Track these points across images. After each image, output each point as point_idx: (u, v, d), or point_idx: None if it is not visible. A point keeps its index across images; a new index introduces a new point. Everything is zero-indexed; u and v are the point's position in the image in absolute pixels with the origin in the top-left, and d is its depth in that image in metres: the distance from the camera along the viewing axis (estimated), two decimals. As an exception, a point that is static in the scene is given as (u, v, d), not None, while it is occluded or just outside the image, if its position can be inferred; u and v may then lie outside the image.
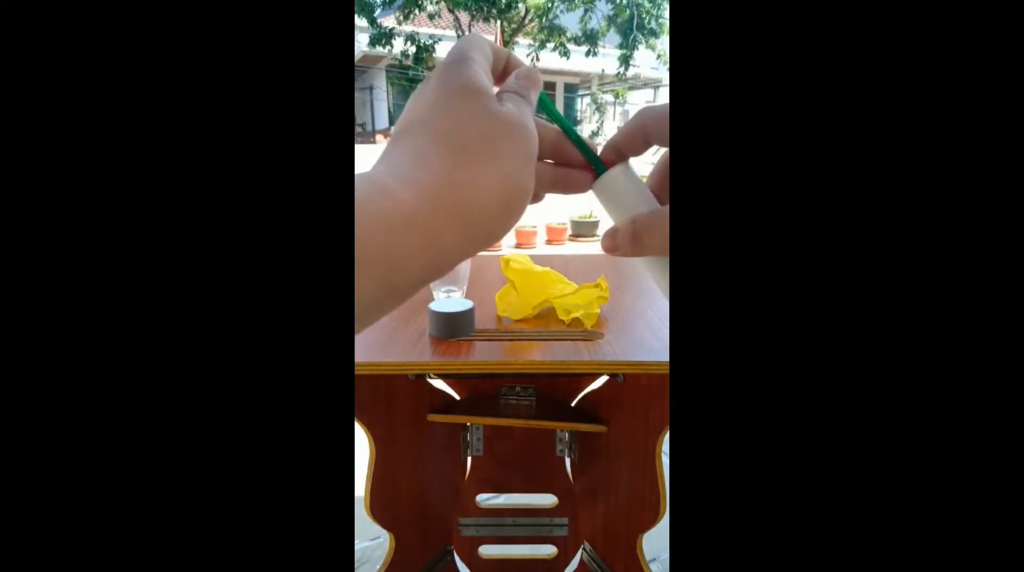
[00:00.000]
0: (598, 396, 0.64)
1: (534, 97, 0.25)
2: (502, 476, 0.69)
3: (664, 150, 0.29)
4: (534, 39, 7.20)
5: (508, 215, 0.21)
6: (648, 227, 0.27)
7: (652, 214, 0.28)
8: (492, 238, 0.21)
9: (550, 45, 7.16)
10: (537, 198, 0.26)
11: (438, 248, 0.19)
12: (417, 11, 6.35)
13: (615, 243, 0.29)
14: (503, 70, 0.26)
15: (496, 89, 0.23)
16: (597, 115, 9.04)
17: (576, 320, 0.46)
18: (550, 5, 6.52)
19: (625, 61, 6.98)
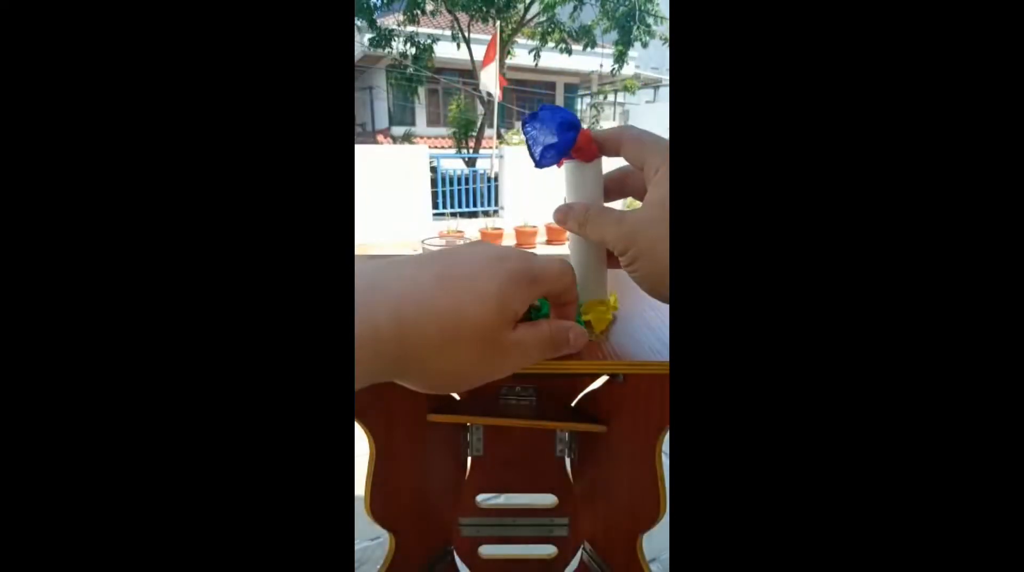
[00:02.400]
0: (598, 396, 0.64)
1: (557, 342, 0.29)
2: (502, 476, 0.69)
3: (625, 163, 0.35)
4: (534, 37, 7.20)
5: (435, 388, 0.25)
6: (597, 219, 0.34)
7: (604, 211, 0.34)
8: (426, 390, 0.25)
9: (551, 43, 7.15)
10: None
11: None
12: (420, 13, 6.36)
13: (565, 218, 0.35)
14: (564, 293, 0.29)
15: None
16: (593, 111, 9.05)
17: (587, 323, 0.46)
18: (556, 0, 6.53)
19: (620, 58, 6.98)
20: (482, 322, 0.23)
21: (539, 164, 0.35)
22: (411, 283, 0.22)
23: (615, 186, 0.37)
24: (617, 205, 0.37)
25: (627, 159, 0.35)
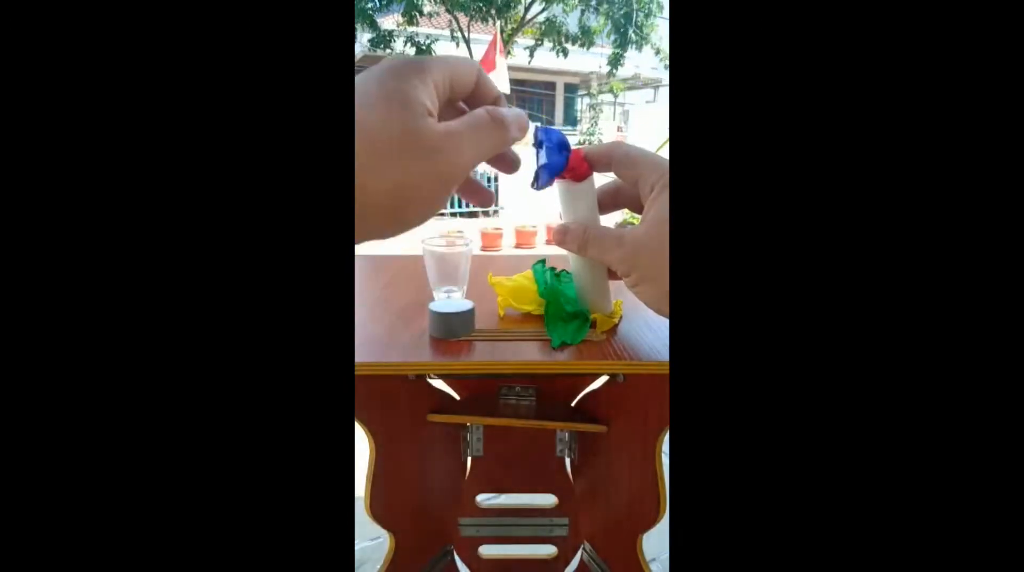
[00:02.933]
0: (598, 396, 0.64)
1: (494, 132, 0.25)
2: (502, 476, 0.69)
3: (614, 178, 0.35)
4: (533, 37, 7.20)
5: (396, 220, 0.23)
6: (596, 241, 0.34)
7: (603, 233, 0.34)
8: (378, 235, 0.23)
9: (548, 44, 7.16)
10: (510, 166, 0.29)
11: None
12: (418, 14, 6.36)
13: (564, 239, 0.35)
14: (474, 85, 0.26)
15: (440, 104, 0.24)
16: (591, 112, 9.06)
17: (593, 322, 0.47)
18: (565, 5, 6.54)
19: (616, 60, 7.00)
20: (388, 120, 0.21)
21: (534, 185, 0.36)
22: None
23: (608, 199, 0.37)
24: (615, 217, 0.38)
25: (619, 176, 0.35)
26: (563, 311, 0.45)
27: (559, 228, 0.36)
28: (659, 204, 0.31)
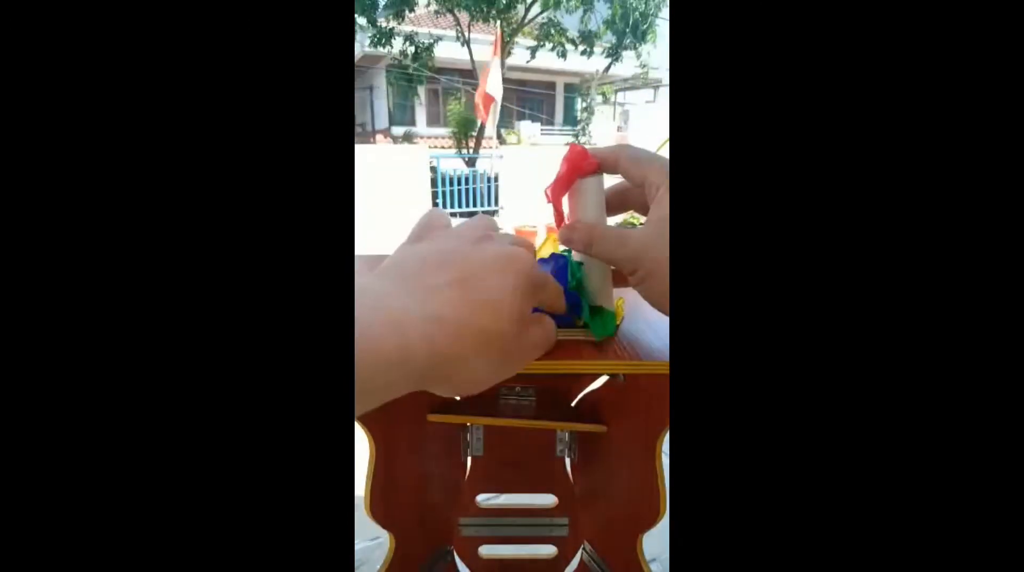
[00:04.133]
0: (598, 396, 0.64)
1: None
2: (502, 476, 0.69)
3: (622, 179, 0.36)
4: (534, 38, 7.22)
5: (461, 392, 0.26)
6: (601, 240, 0.34)
7: (608, 233, 0.35)
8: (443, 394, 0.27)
9: (548, 45, 7.16)
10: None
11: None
12: (408, 11, 6.36)
13: (570, 238, 0.36)
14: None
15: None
16: (587, 115, 9.09)
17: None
18: (567, 6, 6.58)
19: (615, 54, 7.01)
20: (505, 334, 0.25)
21: None
22: (436, 298, 0.23)
23: (616, 200, 0.38)
24: (617, 218, 0.38)
25: (625, 177, 0.35)
26: (590, 305, 0.46)
27: (566, 226, 0.37)
28: (663, 204, 0.32)
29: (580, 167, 0.35)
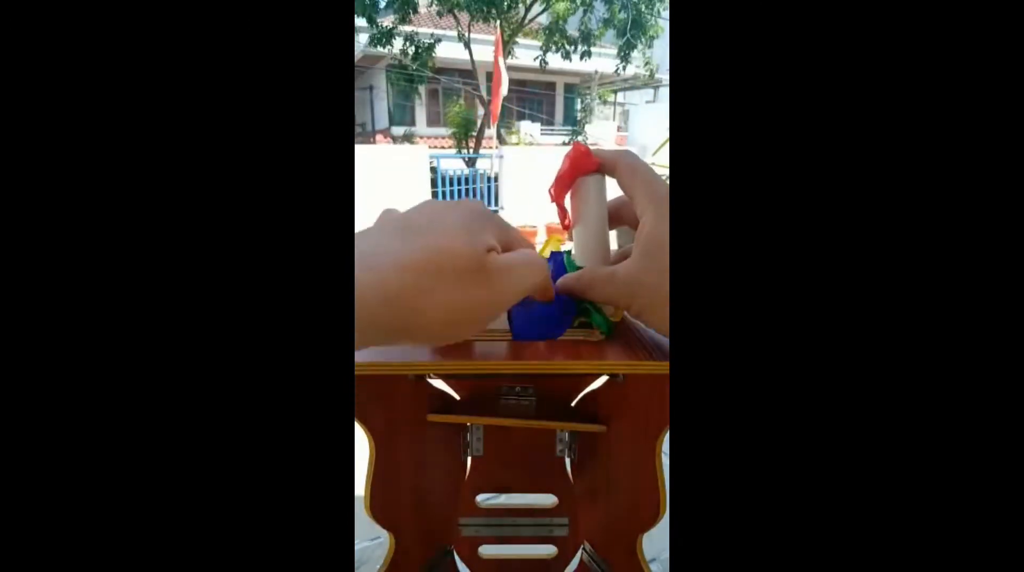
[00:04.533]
0: (598, 396, 0.64)
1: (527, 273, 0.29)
2: (502, 476, 0.69)
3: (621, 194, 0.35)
4: (540, 41, 7.24)
5: (443, 338, 0.25)
6: (591, 283, 0.34)
7: (596, 274, 0.34)
8: (434, 341, 0.28)
9: (553, 48, 7.19)
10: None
11: (417, 325, 0.23)
12: (412, 12, 6.37)
13: (571, 289, 0.36)
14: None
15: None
16: (582, 115, 9.11)
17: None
18: (574, 8, 6.61)
19: (625, 57, 7.02)
20: (458, 251, 0.24)
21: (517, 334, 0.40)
22: (380, 249, 0.23)
23: (615, 213, 0.37)
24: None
25: (619, 185, 0.35)
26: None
27: (570, 277, 0.37)
28: (646, 233, 0.32)
29: (581, 165, 0.36)
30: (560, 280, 0.37)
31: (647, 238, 0.31)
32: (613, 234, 0.41)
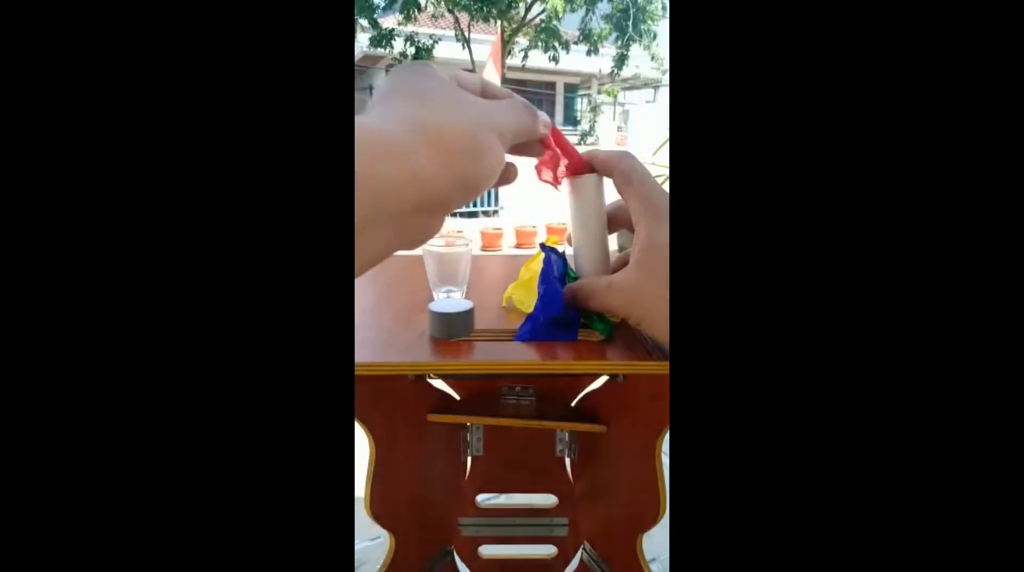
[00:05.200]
0: (598, 396, 0.64)
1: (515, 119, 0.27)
2: (502, 476, 0.69)
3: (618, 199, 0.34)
4: (532, 41, 7.22)
5: (478, 158, 0.23)
6: (591, 294, 0.34)
7: (595, 285, 0.34)
8: (470, 179, 0.23)
9: (540, 47, 7.17)
10: (509, 179, 0.29)
11: (421, 175, 0.21)
12: (417, 12, 6.37)
13: (574, 301, 0.36)
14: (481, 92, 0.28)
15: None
16: (592, 115, 9.09)
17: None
18: (572, 7, 6.58)
19: (621, 61, 7.01)
20: (441, 122, 0.22)
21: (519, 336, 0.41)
22: (374, 117, 0.22)
23: (612, 218, 0.37)
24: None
25: (616, 189, 0.35)
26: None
27: (566, 292, 0.37)
28: (642, 243, 0.31)
29: (572, 167, 0.35)
30: (568, 292, 0.37)
31: (643, 247, 0.31)
32: (612, 236, 0.41)
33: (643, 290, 0.31)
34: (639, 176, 0.32)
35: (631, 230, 0.34)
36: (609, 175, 0.35)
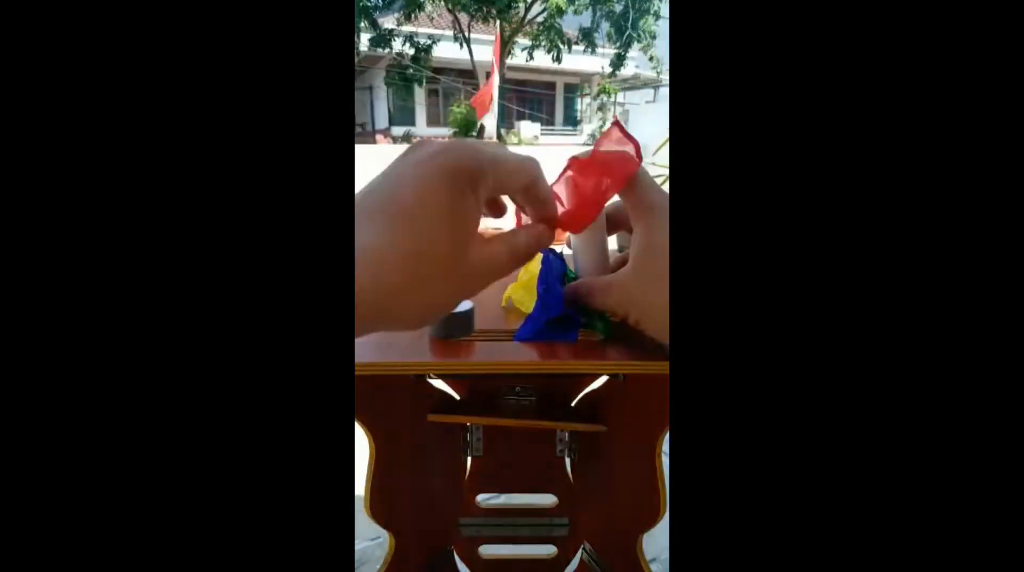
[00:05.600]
0: (598, 396, 0.64)
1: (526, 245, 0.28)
2: (502, 476, 0.69)
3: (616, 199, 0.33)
4: (535, 40, 7.22)
5: (417, 324, 0.24)
6: (592, 291, 0.34)
7: (596, 283, 0.34)
8: (401, 329, 0.25)
9: (544, 45, 7.17)
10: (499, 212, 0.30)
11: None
12: (417, 12, 6.37)
13: (575, 298, 0.35)
14: (526, 188, 0.27)
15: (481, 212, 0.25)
16: (600, 114, 9.09)
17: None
18: (575, 7, 6.59)
19: (619, 61, 7.02)
20: (441, 259, 0.22)
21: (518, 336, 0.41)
22: (363, 230, 0.21)
23: (611, 219, 0.37)
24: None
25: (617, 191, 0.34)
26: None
27: (567, 289, 0.37)
28: (641, 243, 0.31)
29: (574, 223, 0.33)
30: (569, 290, 0.37)
31: (642, 247, 0.31)
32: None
33: (642, 289, 0.31)
34: (639, 177, 0.32)
35: (630, 231, 0.34)
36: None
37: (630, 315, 0.32)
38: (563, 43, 7.10)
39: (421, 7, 6.40)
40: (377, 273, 0.21)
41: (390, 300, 0.21)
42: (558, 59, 7.15)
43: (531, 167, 0.26)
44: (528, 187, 0.27)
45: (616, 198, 0.36)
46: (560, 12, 6.66)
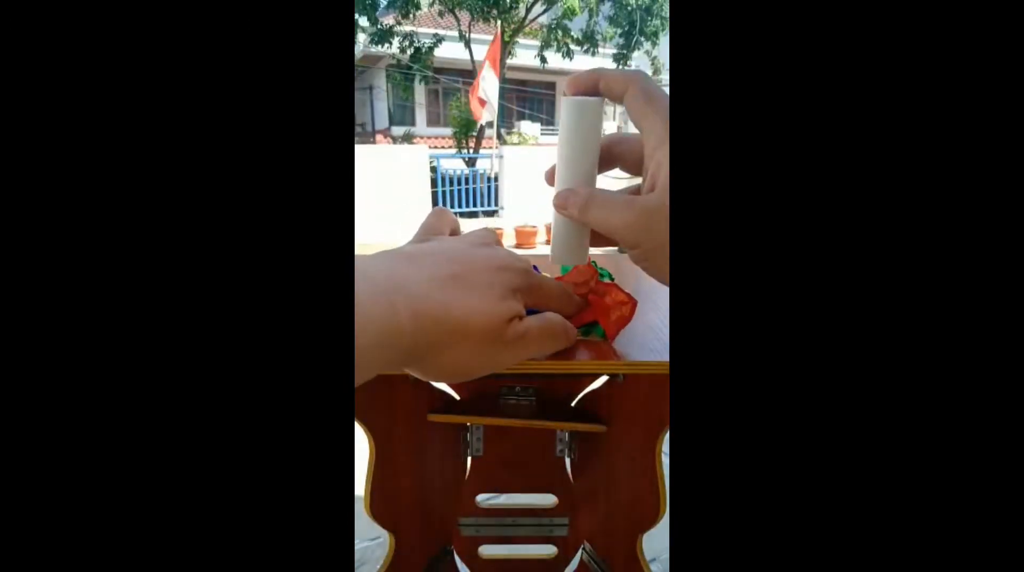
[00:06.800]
0: (598, 396, 0.64)
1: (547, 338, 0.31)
2: (502, 476, 0.69)
3: (632, 185, 0.31)
4: (536, 38, 7.24)
5: (448, 379, 0.29)
6: (601, 203, 0.30)
7: (610, 196, 0.30)
8: (432, 380, 0.30)
9: (553, 46, 7.19)
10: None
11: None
12: (415, 11, 6.37)
13: (565, 203, 0.31)
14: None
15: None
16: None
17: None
18: (584, 7, 6.61)
19: (622, 59, 7.03)
20: (487, 326, 0.26)
21: None
22: (429, 284, 0.24)
23: (606, 153, 0.32)
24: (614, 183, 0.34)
25: (629, 114, 0.29)
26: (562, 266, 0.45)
27: (562, 192, 0.31)
28: (666, 166, 0.27)
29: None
30: (561, 193, 0.31)
31: (668, 171, 0.26)
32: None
33: (664, 216, 0.27)
34: (660, 98, 0.28)
35: (629, 168, 0.31)
36: (618, 98, 0.29)
37: (644, 242, 0.28)
38: (573, 43, 7.14)
39: (418, 7, 6.40)
40: (431, 326, 0.24)
41: (432, 351, 0.24)
42: (568, 55, 7.20)
43: (567, 298, 0.34)
44: (561, 309, 0.33)
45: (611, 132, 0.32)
46: (572, 13, 6.68)
